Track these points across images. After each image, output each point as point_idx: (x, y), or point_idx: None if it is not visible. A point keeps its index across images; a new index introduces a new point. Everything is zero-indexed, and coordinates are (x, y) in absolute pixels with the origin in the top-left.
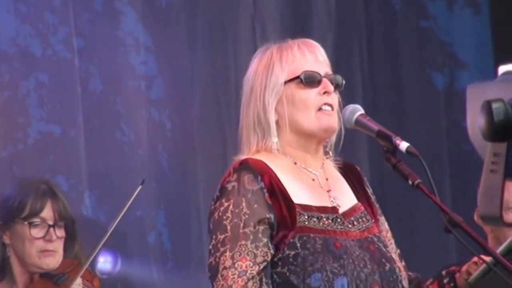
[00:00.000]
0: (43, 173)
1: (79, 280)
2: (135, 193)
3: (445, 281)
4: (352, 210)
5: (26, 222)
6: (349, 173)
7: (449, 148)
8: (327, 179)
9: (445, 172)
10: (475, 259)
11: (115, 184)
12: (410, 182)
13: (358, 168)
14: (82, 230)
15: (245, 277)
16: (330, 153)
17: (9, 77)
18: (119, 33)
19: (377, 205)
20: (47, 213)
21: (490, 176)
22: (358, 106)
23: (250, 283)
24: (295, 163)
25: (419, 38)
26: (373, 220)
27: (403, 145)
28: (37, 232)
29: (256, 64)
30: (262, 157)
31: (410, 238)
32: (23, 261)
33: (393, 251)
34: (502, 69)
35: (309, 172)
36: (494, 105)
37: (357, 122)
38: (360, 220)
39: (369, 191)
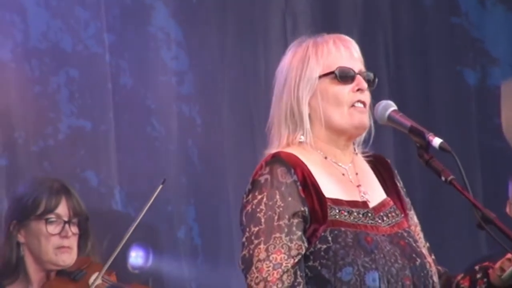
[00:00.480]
0: (73, 168)
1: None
2: (155, 193)
3: (478, 276)
4: (382, 205)
5: (42, 219)
6: (379, 165)
7: (480, 144)
8: (356, 173)
9: (477, 169)
10: (510, 255)
11: (145, 179)
12: (443, 179)
13: (389, 161)
14: (112, 225)
15: (280, 270)
16: (356, 150)
17: (40, 72)
18: (150, 28)
19: (407, 199)
20: (62, 209)
21: None
22: (390, 102)
23: (285, 276)
24: (326, 158)
25: (449, 34)
26: (402, 215)
27: (436, 141)
28: (53, 229)
29: (290, 57)
30: (293, 150)
31: (439, 232)
32: (38, 259)
33: (423, 245)
34: None
35: (339, 166)
36: None
37: (390, 118)
38: (389, 215)
39: (399, 184)
